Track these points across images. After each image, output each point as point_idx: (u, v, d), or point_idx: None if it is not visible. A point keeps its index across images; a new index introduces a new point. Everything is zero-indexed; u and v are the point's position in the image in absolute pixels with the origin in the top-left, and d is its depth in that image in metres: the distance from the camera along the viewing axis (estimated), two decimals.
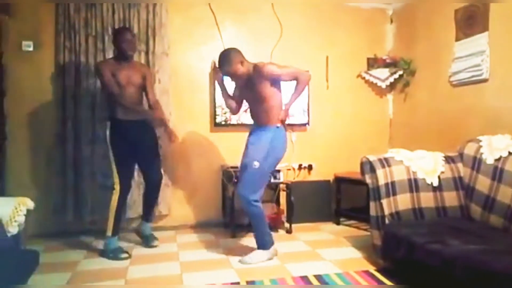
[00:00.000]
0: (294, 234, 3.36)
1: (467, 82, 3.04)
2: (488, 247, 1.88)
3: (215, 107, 3.62)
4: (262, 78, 2.61)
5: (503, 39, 2.74)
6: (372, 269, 2.49)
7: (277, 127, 2.67)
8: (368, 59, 3.98)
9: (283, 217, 3.58)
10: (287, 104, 2.71)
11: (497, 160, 2.37)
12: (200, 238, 3.30)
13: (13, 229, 1.97)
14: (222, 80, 2.87)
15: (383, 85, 3.93)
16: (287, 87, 3.43)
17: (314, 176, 3.89)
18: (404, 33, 3.88)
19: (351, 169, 3.67)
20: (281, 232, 3.44)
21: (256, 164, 2.60)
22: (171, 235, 3.40)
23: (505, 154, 2.34)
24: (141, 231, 3.15)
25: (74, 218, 3.35)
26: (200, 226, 3.61)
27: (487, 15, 2.84)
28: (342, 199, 3.74)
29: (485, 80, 2.89)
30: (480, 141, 2.55)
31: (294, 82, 2.70)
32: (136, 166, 3.11)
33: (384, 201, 2.46)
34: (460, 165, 2.62)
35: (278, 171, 3.44)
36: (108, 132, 2.87)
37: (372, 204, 2.54)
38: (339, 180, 3.75)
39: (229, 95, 2.89)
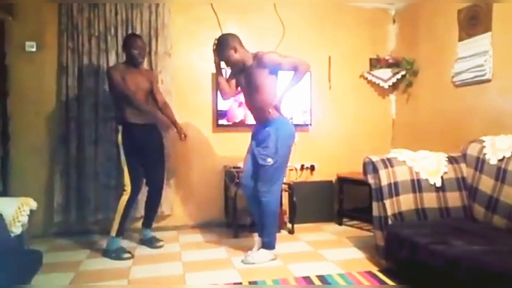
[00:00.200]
0: (296, 235, 3.36)
1: (470, 82, 3.03)
2: (491, 247, 1.88)
3: (217, 107, 3.62)
4: (261, 66, 2.60)
5: (506, 39, 2.74)
6: (374, 269, 2.49)
7: (277, 118, 2.66)
8: (371, 59, 3.97)
9: (286, 218, 3.58)
10: (282, 92, 2.67)
11: (501, 160, 2.36)
12: (203, 238, 3.30)
13: (16, 229, 1.98)
14: (219, 62, 2.79)
15: (386, 85, 3.92)
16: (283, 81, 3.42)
17: (317, 177, 3.89)
18: (406, 33, 3.88)
19: (353, 169, 3.67)
20: (284, 232, 3.44)
21: (270, 161, 2.60)
22: (173, 235, 3.40)
23: (508, 154, 2.33)
24: (142, 237, 3.16)
25: (77, 218, 3.36)
26: (203, 226, 3.61)
27: (490, 15, 2.83)
28: (345, 200, 3.73)
29: (488, 81, 2.88)
30: (483, 141, 2.54)
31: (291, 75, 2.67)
32: None
33: (387, 202, 2.45)
34: (463, 165, 2.61)
35: None
36: (120, 136, 2.91)
37: (374, 205, 2.53)
38: (341, 180, 3.75)
39: (223, 78, 2.84)
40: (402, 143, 3.64)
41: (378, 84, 3.95)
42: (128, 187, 2.86)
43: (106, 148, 3.34)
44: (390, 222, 2.42)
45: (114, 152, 3.30)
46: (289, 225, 3.48)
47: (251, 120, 3.04)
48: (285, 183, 3.51)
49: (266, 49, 3.68)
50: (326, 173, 3.86)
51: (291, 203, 3.45)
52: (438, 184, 2.53)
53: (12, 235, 1.96)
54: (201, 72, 3.66)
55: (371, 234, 2.90)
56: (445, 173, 2.57)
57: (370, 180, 2.55)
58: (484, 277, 1.67)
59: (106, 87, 3.28)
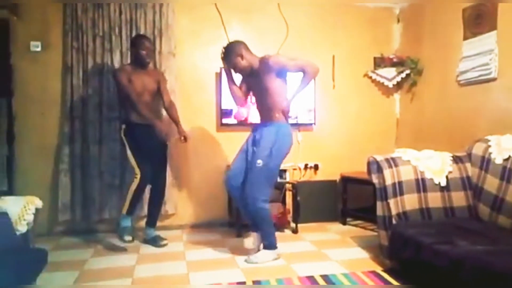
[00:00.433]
0: (300, 234, 3.36)
1: (475, 81, 3.01)
2: (496, 247, 1.87)
3: (221, 107, 3.62)
4: (268, 70, 2.61)
5: (511, 38, 2.71)
6: (379, 269, 2.48)
7: (281, 122, 2.67)
8: (375, 58, 3.96)
9: (289, 217, 3.58)
10: (292, 95, 2.68)
11: (506, 160, 2.34)
12: (206, 238, 3.31)
13: (22, 228, 2.00)
14: (229, 70, 2.81)
15: (390, 84, 3.91)
16: (293, 83, 3.43)
17: (320, 176, 3.88)
18: (411, 32, 3.86)
19: (357, 169, 3.65)
20: (287, 232, 3.44)
21: (260, 162, 2.59)
22: (177, 234, 3.41)
23: None
24: (146, 236, 3.17)
25: (82, 217, 3.38)
26: (206, 226, 3.62)
27: (495, 13, 2.81)
28: (349, 199, 3.72)
29: (493, 79, 2.86)
30: (489, 140, 2.53)
31: (301, 76, 2.67)
32: None
33: (391, 201, 2.44)
34: (468, 165, 2.60)
35: (284, 170, 3.43)
36: (123, 134, 3.00)
37: (379, 204, 2.52)
38: (345, 180, 3.74)
39: (234, 84, 2.86)
40: (406, 143, 3.63)
41: (383, 83, 3.93)
42: (138, 175, 2.95)
43: (110, 148, 3.35)
44: (394, 221, 2.41)
45: (118, 151, 3.32)
46: (292, 225, 3.48)
47: (254, 119, 3.04)
48: (289, 182, 3.52)
49: (270, 48, 3.71)
50: (330, 172, 3.85)
51: (295, 203, 3.45)
52: (443, 183, 2.52)
53: (18, 233, 1.98)
54: (205, 72, 3.66)
55: (375, 233, 2.89)
56: (450, 172, 2.56)
57: (375, 179, 2.54)
58: (489, 277, 1.66)
59: (110, 86, 3.30)
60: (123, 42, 3.38)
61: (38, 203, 2.14)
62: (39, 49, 3.34)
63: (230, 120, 3.62)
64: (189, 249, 3.01)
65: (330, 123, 3.92)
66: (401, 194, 2.47)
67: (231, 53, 2.68)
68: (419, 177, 2.52)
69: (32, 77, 3.34)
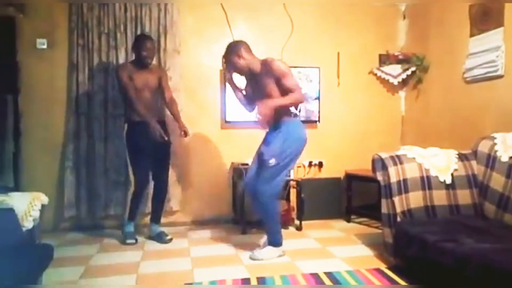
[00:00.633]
0: (304, 231, 3.36)
1: (481, 78, 2.99)
2: (502, 245, 1.85)
3: (225, 104, 3.63)
4: (269, 73, 2.59)
5: None
6: (383, 267, 2.48)
7: (289, 120, 2.65)
8: (380, 55, 3.94)
9: (294, 214, 3.58)
10: (272, 101, 2.56)
11: None
12: (211, 234, 3.32)
13: (28, 224, 2.01)
14: (230, 79, 2.81)
15: (395, 81, 3.89)
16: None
17: (325, 173, 3.87)
18: (417, 29, 3.83)
19: (362, 166, 3.65)
20: (292, 229, 3.44)
21: (272, 161, 2.59)
22: (182, 231, 3.43)
23: None
24: (150, 232, 3.20)
25: (87, 213, 3.41)
26: (211, 223, 3.63)
27: (502, 10, 2.78)
28: (353, 197, 3.72)
29: (500, 76, 2.84)
30: (495, 138, 2.51)
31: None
32: None
33: (396, 199, 2.44)
34: (473, 162, 2.58)
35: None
36: (125, 133, 3.06)
37: (383, 202, 2.52)
38: (350, 177, 3.73)
39: (240, 91, 2.86)
40: (412, 140, 3.62)
41: (388, 80, 3.91)
42: (134, 182, 3.06)
43: (115, 145, 3.37)
44: (399, 219, 2.40)
45: (123, 148, 3.33)
46: (297, 222, 3.48)
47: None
48: (293, 180, 3.52)
49: (275, 46, 3.72)
50: (334, 169, 3.84)
51: (299, 200, 3.45)
52: (448, 181, 2.51)
53: (24, 229, 1.99)
54: (210, 70, 3.66)
55: (380, 231, 2.89)
56: (455, 170, 2.54)
57: (379, 177, 2.53)
58: (494, 275, 1.65)
59: (116, 84, 3.31)
60: (128, 39, 3.38)
61: (44, 199, 2.15)
62: (45, 46, 3.36)
63: (235, 118, 3.63)
64: (194, 245, 3.02)
65: (334, 120, 3.91)
66: (406, 191, 2.46)
67: (229, 52, 2.68)
68: (424, 174, 2.51)
69: (38, 74, 3.37)
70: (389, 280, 2.28)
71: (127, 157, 3.18)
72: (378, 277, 2.32)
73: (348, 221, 3.68)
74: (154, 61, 3.38)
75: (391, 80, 3.89)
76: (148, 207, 3.36)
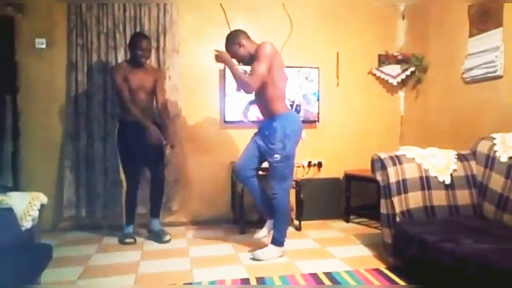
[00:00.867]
0: (303, 232, 3.36)
1: (480, 79, 2.99)
2: (501, 246, 1.85)
3: (225, 104, 3.62)
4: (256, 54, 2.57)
5: None
6: (382, 267, 2.48)
7: (285, 112, 2.65)
8: (379, 55, 3.94)
9: (293, 214, 3.58)
10: (229, 59, 2.58)
11: (511, 158, 2.32)
12: (210, 234, 3.32)
13: (27, 223, 2.01)
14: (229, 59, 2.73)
15: (395, 82, 3.89)
16: (294, 80, 3.43)
17: (324, 174, 3.87)
18: (416, 29, 3.83)
19: (361, 166, 3.65)
20: (291, 229, 3.43)
21: (277, 156, 2.60)
22: (181, 231, 3.42)
23: None
24: (150, 228, 3.20)
25: (86, 213, 3.41)
26: (210, 222, 3.63)
27: (501, 10, 2.79)
28: (352, 197, 3.72)
29: (499, 77, 2.84)
30: (494, 138, 2.51)
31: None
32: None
33: (395, 199, 2.44)
34: (473, 163, 2.58)
35: None
36: (116, 132, 3.09)
37: (382, 202, 2.52)
38: (349, 177, 3.73)
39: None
40: (411, 140, 3.62)
41: (387, 80, 3.91)
42: (124, 183, 3.13)
43: (114, 144, 3.36)
44: (398, 219, 2.40)
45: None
46: (296, 222, 3.48)
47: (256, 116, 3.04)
48: (292, 180, 3.52)
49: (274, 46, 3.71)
50: (333, 170, 3.85)
51: (298, 200, 3.45)
52: (447, 181, 2.51)
53: (23, 229, 1.99)
54: (209, 69, 3.66)
55: (379, 231, 2.89)
56: (455, 170, 2.55)
57: (378, 177, 2.53)
58: (493, 276, 1.66)
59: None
60: (127, 39, 3.37)
61: (43, 199, 2.15)
62: (44, 46, 3.36)
63: (234, 118, 3.62)
64: (193, 245, 3.02)
65: (334, 121, 3.91)
66: (405, 192, 2.46)
67: (229, 41, 2.68)
68: (424, 175, 2.51)
69: (37, 74, 3.36)
70: (388, 280, 2.28)
71: (118, 156, 3.17)
72: (377, 277, 2.33)
73: (347, 221, 3.68)
74: (153, 61, 3.38)
75: (390, 80, 3.89)
76: (144, 207, 3.34)
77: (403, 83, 3.95)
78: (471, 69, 3.06)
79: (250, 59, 2.67)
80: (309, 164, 3.86)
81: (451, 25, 3.31)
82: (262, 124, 2.78)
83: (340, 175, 3.83)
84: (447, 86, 3.39)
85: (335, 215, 3.75)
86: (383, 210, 2.51)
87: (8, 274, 1.63)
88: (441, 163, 2.56)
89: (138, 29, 3.40)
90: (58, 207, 3.39)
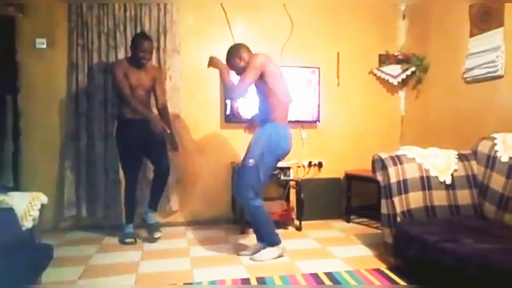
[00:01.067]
0: (304, 232, 3.36)
1: (481, 78, 2.99)
2: (502, 246, 1.85)
3: (225, 104, 3.63)
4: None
5: None
6: (383, 267, 2.48)
7: (278, 123, 2.62)
8: (380, 55, 3.94)
9: (293, 215, 3.58)
10: (221, 65, 2.66)
11: None
12: (210, 234, 3.32)
13: (28, 223, 2.01)
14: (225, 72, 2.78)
15: (395, 81, 3.89)
16: (295, 84, 3.42)
17: (324, 174, 3.87)
18: (417, 29, 3.83)
19: (361, 166, 3.65)
20: (291, 229, 3.44)
21: (251, 161, 2.57)
22: (181, 231, 3.42)
23: None
24: (145, 219, 3.18)
25: (87, 212, 3.41)
26: (210, 222, 3.63)
27: (502, 10, 2.79)
28: (353, 197, 3.72)
29: (500, 77, 2.84)
30: (495, 138, 2.51)
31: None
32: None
33: (396, 199, 2.43)
34: (473, 163, 2.58)
35: (288, 168, 3.43)
36: (115, 130, 3.08)
37: (383, 202, 2.51)
38: (349, 177, 3.73)
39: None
40: (411, 140, 3.61)
41: (387, 80, 3.91)
42: (124, 181, 3.12)
43: (115, 144, 3.36)
44: (398, 219, 2.40)
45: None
46: (296, 222, 3.48)
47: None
48: (293, 180, 3.52)
49: (274, 46, 3.71)
50: (334, 170, 3.84)
51: (299, 200, 3.45)
52: (448, 181, 2.51)
53: (24, 228, 1.99)
54: (210, 69, 3.62)
55: (379, 231, 2.89)
56: (455, 170, 2.54)
57: (379, 177, 2.53)
58: (494, 276, 1.66)
59: None
60: (128, 39, 3.37)
61: (44, 199, 2.15)
62: (44, 46, 3.36)
63: (235, 117, 3.63)
64: (193, 245, 3.02)
65: (334, 121, 3.90)
66: (406, 192, 2.46)
67: (229, 55, 2.71)
68: (424, 175, 2.51)
69: (37, 74, 3.36)
70: (389, 281, 2.28)
71: (118, 154, 3.14)
72: (378, 277, 2.32)
73: (348, 221, 3.68)
74: (154, 61, 3.38)
75: (391, 80, 3.89)
76: (144, 208, 3.32)
77: (403, 83, 3.95)
78: (472, 69, 3.06)
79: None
80: (310, 164, 3.86)
81: (452, 24, 3.31)
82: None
83: (340, 175, 3.83)
84: (447, 86, 3.39)
85: (336, 215, 3.75)
86: (383, 210, 2.51)
87: (9, 274, 1.63)
88: (442, 163, 2.55)
89: (138, 29, 3.40)
90: (58, 207, 3.39)
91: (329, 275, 2.35)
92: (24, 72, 3.34)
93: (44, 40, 3.36)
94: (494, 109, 2.89)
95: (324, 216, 3.72)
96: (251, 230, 3.30)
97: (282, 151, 2.67)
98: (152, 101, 3.22)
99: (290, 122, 2.78)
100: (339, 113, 3.93)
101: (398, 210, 2.42)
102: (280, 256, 2.69)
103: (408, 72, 3.80)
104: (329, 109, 3.87)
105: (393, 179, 2.46)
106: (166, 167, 3.15)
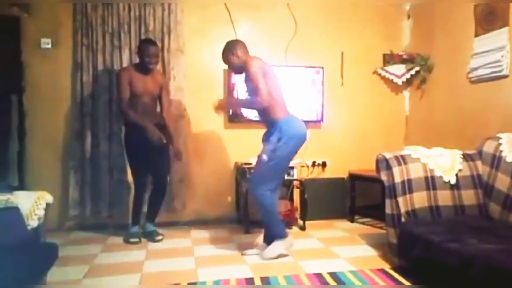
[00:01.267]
0: (308, 231, 3.36)
1: (486, 78, 2.97)
2: (507, 246, 1.84)
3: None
4: (247, 71, 2.64)
5: None
6: (387, 267, 2.47)
7: (283, 118, 2.63)
8: (384, 55, 3.93)
9: (297, 214, 3.57)
10: (241, 102, 2.70)
11: None
12: (214, 234, 3.32)
13: (33, 222, 2.02)
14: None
15: (399, 81, 3.88)
16: (299, 84, 3.41)
17: (328, 173, 3.87)
18: (421, 29, 3.82)
19: (365, 166, 3.64)
20: (295, 229, 3.44)
21: (265, 157, 2.59)
22: (185, 231, 3.43)
23: None
24: (143, 230, 3.20)
25: (91, 212, 3.42)
26: (214, 222, 3.63)
27: (507, 10, 2.77)
28: (357, 197, 3.71)
29: (505, 76, 2.82)
30: (500, 138, 2.50)
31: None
32: None
33: (400, 199, 2.43)
34: (478, 163, 2.57)
35: (292, 168, 3.43)
36: (123, 136, 3.10)
37: (387, 202, 2.51)
38: (353, 177, 3.72)
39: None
40: (416, 140, 3.60)
41: (392, 80, 3.90)
42: (133, 184, 3.13)
43: (119, 144, 3.38)
44: (403, 219, 2.40)
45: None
46: (300, 222, 3.48)
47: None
48: (296, 180, 3.52)
49: (278, 46, 3.72)
50: (337, 169, 3.84)
51: (303, 200, 3.45)
52: (453, 181, 2.50)
53: (29, 228, 2.00)
54: (214, 69, 3.66)
55: (383, 231, 2.88)
56: (460, 170, 2.53)
57: (383, 177, 2.52)
58: (499, 276, 1.65)
59: None
60: (132, 39, 3.40)
61: (49, 198, 2.16)
62: (49, 46, 3.37)
63: (238, 117, 3.63)
64: (197, 245, 3.03)
65: (338, 120, 3.90)
66: (410, 192, 2.45)
67: (225, 50, 2.75)
68: (429, 175, 2.50)
69: (42, 74, 3.38)
70: (393, 281, 2.27)
71: (126, 159, 3.20)
72: (382, 277, 2.32)
73: (352, 221, 3.68)
74: (157, 67, 3.38)
75: (395, 80, 3.88)
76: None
77: (408, 82, 3.93)
78: (476, 68, 3.04)
79: (240, 69, 2.73)
80: (314, 164, 3.85)
81: (457, 24, 3.29)
82: (265, 132, 2.77)
83: (344, 175, 3.82)
84: (452, 85, 3.37)
85: (340, 215, 3.74)
86: (388, 210, 2.51)
87: (14, 273, 1.64)
88: (447, 163, 2.55)
89: (143, 29, 3.41)
90: (63, 206, 3.40)
91: (333, 275, 2.35)
92: (29, 72, 3.35)
93: (49, 40, 3.37)
94: (499, 109, 2.88)
95: (328, 216, 3.72)
96: (255, 230, 3.31)
97: (299, 140, 2.66)
98: None
99: None
100: (343, 113, 3.92)
101: (403, 210, 2.42)
102: (289, 246, 2.69)
103: (413, 72, 3.79)
104: (333, 109, 3.86)
105: (397, 179, 2.45)
106: (164, 182, 3.19)
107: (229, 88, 3.58)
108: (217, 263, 2.61)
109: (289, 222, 3.46)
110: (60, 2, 3.36)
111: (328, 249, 2.89)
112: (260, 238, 3.06)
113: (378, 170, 2.57)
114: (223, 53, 2.76)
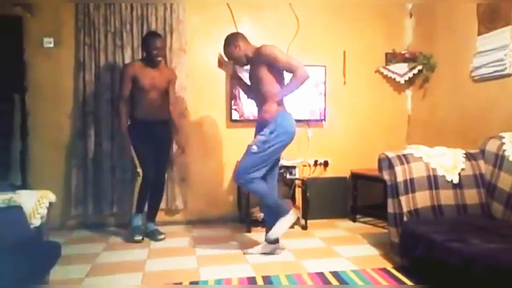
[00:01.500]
0: (309, 231, 3.36)
1: (489, 77, 2.96)
2: (509, 246, 1.84)
3: (231, 103, 3.63)
4: (260, 60, 2.59)
5: None
6: (389, 266, 2.47)
7: (279, 112, 2.58)
8: (387, 54, 3.92)
9: (299, 213, 3.57)
10: (283, 91, 2.57)
11: None
12: (216, 233, 3.32)
13: (36, 221, 2.03)
14: (234, 73, 2.90)
15: (402, 80, 3.86)
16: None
17: (330, 173, 3.86)
18: (423, 27, 3.80)
19: (367, 165, 3.63)
20: (297, 228, 3.43)
21: (255, 148, 2.56)
22: (187, 230, 3.44)
23: None
24: (145, 229, 3.19)
25: (94, 211, 3.43)
26: (216, 221, 3.63)
27: (510, 9, 2.76)
28: (359, 196, 3.70)
29: (508, 75, 2.81)
30: (503, 137, 2.49)
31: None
32: None
33: (403, 198, 2.42)
34: (481, 162, 2.56)
35: (294, 167, 3.43)
36: (127, 131, 3.07)
37: (390, 201, 2.50)
38: (355, 176, 3.72)
39: (246, 84, 2.90)
40: (418, 139, 3.59)
41: (394, 79, 3.89)
42: (142, 173, 3.12)
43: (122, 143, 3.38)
44: (405, 219, 2.39)
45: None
46: (302, 221, 3.47)
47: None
48: (298, 179, 3.52)
49: (280, 45, 3.67)
50: (340, 169, 3.83)
51: (305, 199, 3.45)
52: (455, 181, 2.49)
53: (32, 226, 2.01)
54: (216, 68, 3.62)
55: (385, 231, 2.87)
56: (463, 169, 2.53)
57: (386, 176, 2.52)
58: (501, 276, 1.64)
59: None
60: (134, 38, 3.40)
61: (52, 197, 2.17)
62: (52, 45, 3.38)
63: (240, 116, 3.63)
64: (199, 244, 3.03)
65: (340, 119, 3.89)
66: (413, 191, 2.45)
67: (226, 43, 2.72)
68: (431, 174, 2.49)
69: (45, 73, 3.39)
70: (395, 280, 2.27)
71: (133, 152, 3.14)
72: (384, 276, 2.32)
73: (354, 220, 3.67)
74: (163, 62, 3.39)
75: (398, 78, 3.87)
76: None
77: (410, 81, 3.92)
78: (479, 67, 3.03)
79: (245, 60, 2.72)
80: (315, 163, 3.85)
81: (459, 23, 3.28)
82: (257, 125, 2.74)
83: (346, 174, 3.81)
84: (455, 84, 3.36)
85: (342, 214, 3.74)
86: (390, 209, 2.50)
87: (17, 272, 1.65)
88: (449, 162, 2.54)
89: (145, 29, 3.41)
90: (66, 205, 3.41)
91: (335, 274, 2.35)
92: (31, 71, 3.37)
93: (51, 40, 3.38)
94: (502, 108, 2.86)
95: (330, 215, 3.71)
96: (256, 229, 3.31)
97: (288, 137, 2.62)
98: None
99: (296, 121, 2.76)
100: (345, 112, 3.91)
101: (405, 209, 2.41)
102: (296, 218, 2.70)
103: (415, 71, 3.77)
104: (335, 108, 3.86)
105: (399, 178, 2.45)
106: (162, 180, 3.20)
107: (231, 88, 3.59)
108: (219, 262, 2.61)
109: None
110: (63, 1, 3.37)
111: (330, 249, 2.88)
112: (262, 237, 3.07)
113: (380, 169, 2.57)
114: (224, 48, 2.73)
